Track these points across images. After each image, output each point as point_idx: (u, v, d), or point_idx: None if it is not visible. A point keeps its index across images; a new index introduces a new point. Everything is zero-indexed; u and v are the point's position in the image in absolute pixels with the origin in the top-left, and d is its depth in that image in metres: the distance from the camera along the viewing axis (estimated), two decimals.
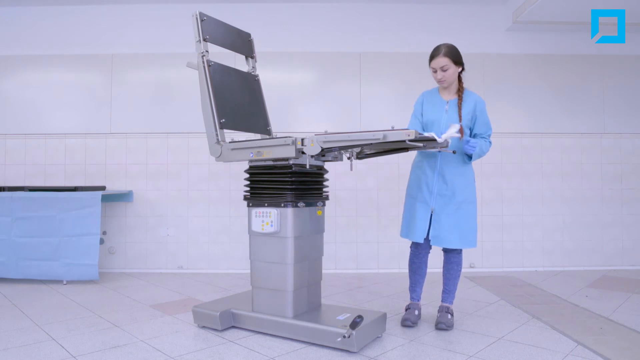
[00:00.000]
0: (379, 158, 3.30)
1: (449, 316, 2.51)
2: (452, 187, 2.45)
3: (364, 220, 4.14)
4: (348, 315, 2.28)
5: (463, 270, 4.12)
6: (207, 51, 2.48)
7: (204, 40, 2.47)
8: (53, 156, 4.18)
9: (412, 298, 2.65)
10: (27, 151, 4.19)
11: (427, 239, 2.50)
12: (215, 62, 2.51)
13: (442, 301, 2.60)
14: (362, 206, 4.17)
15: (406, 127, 2.02)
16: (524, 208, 4.23)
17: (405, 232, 2.57)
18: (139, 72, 4.26)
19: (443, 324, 2.45)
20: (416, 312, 2.57)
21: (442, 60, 2.45)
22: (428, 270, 2.68)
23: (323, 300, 2.63)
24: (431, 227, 2.46)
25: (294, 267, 2.32)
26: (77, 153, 4.18)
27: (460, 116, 2.44)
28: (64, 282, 3.54)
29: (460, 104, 2.46)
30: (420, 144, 2.21)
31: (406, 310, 2.62)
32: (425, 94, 2.65)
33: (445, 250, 2.60)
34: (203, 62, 2.45)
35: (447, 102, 2.52)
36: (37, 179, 4.17)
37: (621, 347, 2.16)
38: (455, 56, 2.48)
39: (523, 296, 3.18)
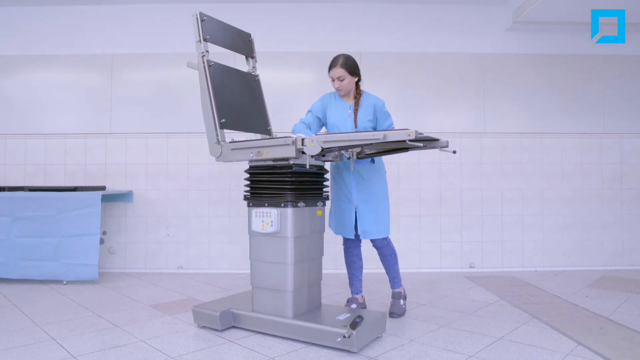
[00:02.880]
0: None
1: (401, 302, 2.75)
2: (369, 185, 2.66)
3: None
4: (348, 315, 2.28)
5: (463, 270, 4.14)
6: (207, 51, 2.48)
7: (204, 40, 2.47)
8: (53, 156, 4.18)
9: (352, 292, 2.84)
10: (27, 151, 4.19)
11: (356, 234, 2.72)
12: (215, 62, 2.51)
13: (392, 288, 2.81)
14: None
15: (406, 127, 2.02)
16: (524, 208, 4.23)
17: (339, 230, 2.76)
18: (139, 72, 4.26)
19: (395, 313, 2.69)
20: (353, 306, 2.71)
21: (339, 71, 2.61)
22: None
23: (323, 300, 2.63)
24: (358, 224, 2.67)
25: (294, 267, 2.32)
26: (77, 153, 4.18)
27: (355, 122, 2.64)
28: (64, 282, 3.54)
29: (357, 110, 2.65)
30: (421, 144, 2.21)
31: (347, 302, 2.79)
32: (326, 96, 2.81)
33: (375, 243, 2.75)
34: (203, 62, 2.45)
35: (350, 107, 2.71)
36: (37, 179, 4.16)
37: (621, 347, 2.16)
38: (351, 67, 2.62)
39: (523, 296, 3.18)
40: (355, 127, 2.62)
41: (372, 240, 2.73)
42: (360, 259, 2.84)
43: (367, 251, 2.91)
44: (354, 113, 2.65)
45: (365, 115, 2.65)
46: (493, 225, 4.21)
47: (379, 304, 2.98)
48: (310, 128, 2.71)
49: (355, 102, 2.67)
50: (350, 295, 2.87)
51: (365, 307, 2.81)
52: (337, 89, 2.66)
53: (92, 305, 2.95)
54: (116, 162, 4.17)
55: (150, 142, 4.19)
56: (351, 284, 2.85)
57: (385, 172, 2.79)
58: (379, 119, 2.66)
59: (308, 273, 2.44)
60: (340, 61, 2.59)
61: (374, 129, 2.67)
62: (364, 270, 2.93)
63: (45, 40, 4.23)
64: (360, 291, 2.84)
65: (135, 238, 4.14)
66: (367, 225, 2.65)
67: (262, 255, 2.39)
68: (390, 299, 2.81)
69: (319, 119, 2.76)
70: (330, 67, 2.63)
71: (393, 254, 2.77)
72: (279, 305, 2.33)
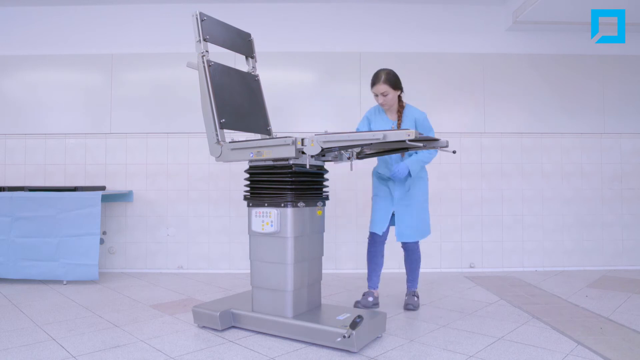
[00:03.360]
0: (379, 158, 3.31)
1: (416, 298, 2.87)
2: (411, 190, 2.79)
3: (364, 220, 4.13)
4: (348, 315, 2.28)
5: (463, 270, 4.15)
6: (207, 51, 2.48)
7: (204, 40, 2.47)
8: (53, 156, 4.18)
9: (369, 286, 2.91)
10: (27, 151, 4.19)
11: (385, 232, 2.82)
12: (215, 62, 2.51)
13: (408, 289, 2.94)
14: (362, 206, 4.17)
15: (406, 127, 2.02)
16: (524, 208, 4.23)
17: (372, 225, 2.87)
18: (139, 72, 4.26)
19: (411, 305, 2.81)
20: (370, 299, 2.79)
21: (382, 87, 2.65)
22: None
23: (323, 300, 2.63)
24: (396, 225, 2.80)
25: (294, 267, 2.32)
26: (77, 153, 4.18)
27: None
28: (64, 282, 3.54)
29: (400, 124, 2.73)
30: (420, 144, 2.21)
31: (362, 295, 2.87)
32: (371, 111, 2.88)
33: (407, 246, 2.85)
34: (203, 62, 2.45)
35: (394, 123, 2.81)
36: (37, 179, 4.17)
37: (621, 347, 2.16)
38: (393, 83, 2.67)
39: (523, 296, 3.18)
40: None
41: (403, 243, 2.81)
42: (383, 256, 2.91)
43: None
44: (398, 129, 2.69)
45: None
46: (493, 225, 4.21)
47: (379, 304, 2.98)
48: None
49: (398, 117, 2.72)
50: (367, 290, 2.95)
51: (377, 303, 2.88)
52: (382, 104, 2.70)
53: (92, 305, 2.95)
54: (116, 162, 4.17)
55: (150, 142, 4.19)
56: (370, 279, 2.92)
57: (428, 177, 2.92)
58: (422, 131, 2.70)
59: (308, 273, 2.44)
60: (383, 77, 2.64)
61: None
62: (364, 271, 2.97)
63: (45, 40, 4.23)
64: (377, 287, 2.93)
65: (135, 238, 4.14)
66: (404, 229, 2.76)
67: (262, 255, 2.39)
68: (405, 296, 2.94)
69: (368, 127, 2.83)
70: (374, 83, 2.68)
71: (419, 258, 2.89)
72: (279, 305, 2.33)
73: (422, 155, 2.76)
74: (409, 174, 2.72)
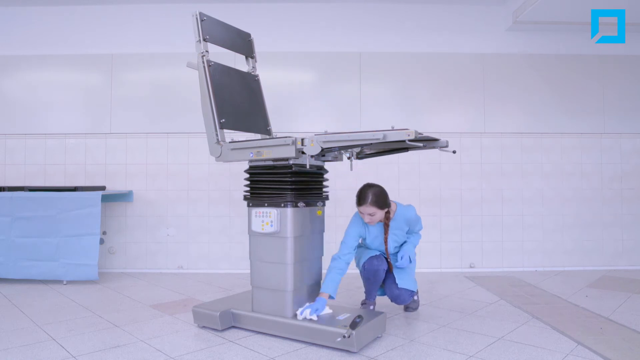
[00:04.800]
0: (379, 158, 3.29)
1: (415, 297, 2.84)
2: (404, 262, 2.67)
3: None
4: (348, 315, 2.28)
5: (463, 270, 4.15)
6: (207, 51, 2.48)
7: (204, 40, 2.47)
8: (53, 156, 4.18)
9: (367, 298, 2.80)
10: (27, 151, 4.19)
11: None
12: (215, 62, 2.51)
13: None
14: None
15: (406, 127, 2.02)
16: (524, 208, 4.23)
17: (364, 256, 2.72)
18: (139, 72, 4.26)
19: (410, 307, 2.81)
20: (371, 307, 2.74)
21: (369, 209, 2.52)
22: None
23: None
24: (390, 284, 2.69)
25: (294, 267, 2.32)
26: (77, 153, 4.18)
27: (386, 244, 2.64)
28: (64, 282, 3.54)
29: (387, 232, 2.63)
30: (420, 144, 2.21)
31: (362, 305, 2.82)
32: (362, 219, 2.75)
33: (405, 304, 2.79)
34: (203, 62, 2.45)
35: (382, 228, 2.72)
36: (37, 179, 4.16)
37: (621, 347, 2.16)
38: (381, 204, 2.53)
39: (523, 296, 3.18)
40: (386, 248, 2.64)
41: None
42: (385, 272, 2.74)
43: None
44: (384, 236, 2.64)
45: (397, 230, 2.67)
46: (493, 225, 4.21)
47: (379, 304, 2.97)
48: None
49: (385, 230, 2.64)
50: (363, 298, 2.83)
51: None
52: (369, 223, 2.60)
53: (92, 305, 2.95)
54: (116, 162, 4.17)
55: (150, 142, 4.19)
56: (369, 295, 2.75)
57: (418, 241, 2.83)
58: (411, 226, 2.71)
59: (308, 273, 2.44)
60: (370, 199, 2.49)
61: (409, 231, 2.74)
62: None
63: (45, 40, 4.23)
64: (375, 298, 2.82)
65: (135, 238, 4.14)
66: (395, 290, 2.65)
67: (262, 255, 2.39)
68: None
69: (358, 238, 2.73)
70: (360, 203, 2.53)
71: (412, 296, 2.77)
72: (279, 305, 2.33)
73: (415, 240, 2.76)
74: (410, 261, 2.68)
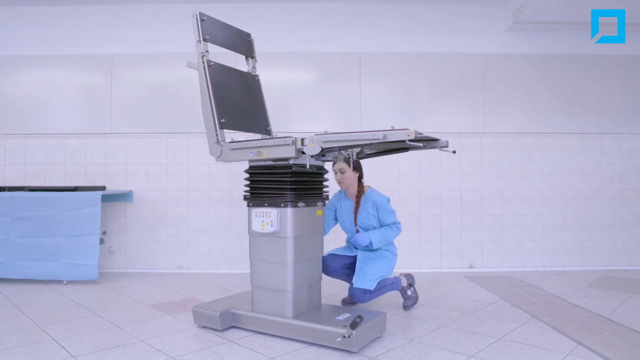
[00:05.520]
0: (379, 158, 3.30)
1: (409, 292, 2.88)
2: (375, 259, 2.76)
3: None
4: (348, 315, 2.28)
5: (463, 270, 4.15)
6: (207, 51, 2.48)
7: (204, 40, 2.47)
8: (53, 156, 4.18)
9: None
10: (27, 151, 4.19)
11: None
12: (215, 62, 2.51)
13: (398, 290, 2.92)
14: None
15: (406, 127, 2.02)
16: (524, 208, 4.23)
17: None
18: (139, 72, 4.26)
19: (407, 306, 2.85)
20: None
21: (340, 165, 2.71)
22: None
23: (323, 300, 2.63)
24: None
25: (294, 267, 2.32)
26: (77, 153, 4.18)
27: (355, 221, 2.79)
28: (64, 282, 3.54)
29: (357, 209, 2.77)
30: (420, 144, 2.21)
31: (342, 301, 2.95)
32: (336, 196, 2.95)
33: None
34: (203, 62, 2.45)
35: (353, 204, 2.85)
36: (37, 179, 4.16)
37: (621, 347, 2.16)
38: (350, 163, 2.71)
39: (523, 296, 3.18)
40: (355, 224, 2.77)
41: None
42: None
43: None
44: (354, 212, 2.78)
45: (367, 212, 2.75)
46: (493, 225, 4.21)
47: (379, 304, 2.98)
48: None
49: (356, 201, 2.78)
50: (346, 296, 2.94)
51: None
52: (338, 181, 2.75)
53: (92, 305, 2.95)
54: (116, 162, 4.17)
55: (150, 142, 4.19)
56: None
57: (395, 260, 2.85)
58: (380, 216, 2.75)
59: (308, 273, 2.44)
60: (342, 158, 2.69)
61: (380, 222, 2.76)
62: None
63: (45, 40, 4.23)
64: None
65: (135, 238, 4.14)
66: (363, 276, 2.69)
67: (262, 255, 2.39)
68: (401, 296, 2.92)
69: (334, 213, 2.92)
70: (334, 162, 2.74)
71: (389, 286, 2.82)
72: (279, 305, 2.33)
73: (387, 232, 2.73)
74: (371, 244, 2.69)
